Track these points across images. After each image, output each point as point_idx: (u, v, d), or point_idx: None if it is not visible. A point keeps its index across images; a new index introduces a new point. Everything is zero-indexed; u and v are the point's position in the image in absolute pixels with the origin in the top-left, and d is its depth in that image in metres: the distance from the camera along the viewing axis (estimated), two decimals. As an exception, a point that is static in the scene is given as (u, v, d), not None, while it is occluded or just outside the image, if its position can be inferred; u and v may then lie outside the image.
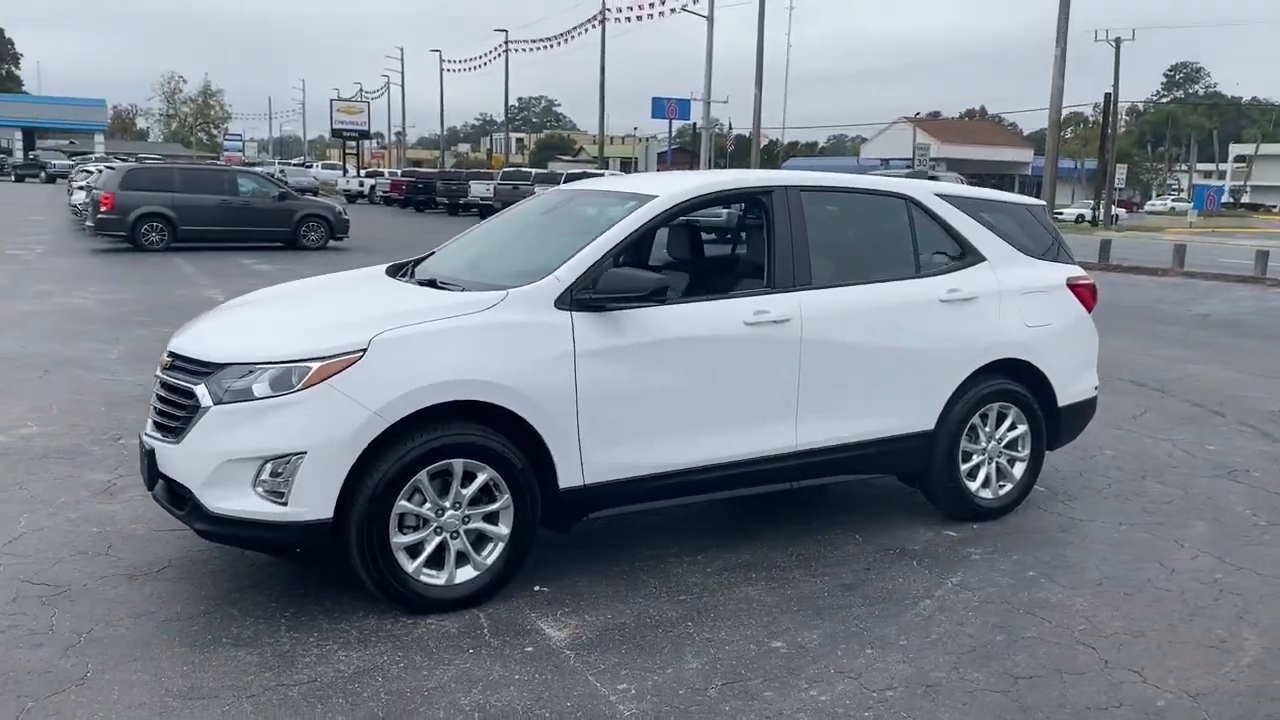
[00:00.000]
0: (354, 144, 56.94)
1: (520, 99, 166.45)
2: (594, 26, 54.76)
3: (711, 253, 6.12)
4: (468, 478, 4.30)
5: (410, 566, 4.21)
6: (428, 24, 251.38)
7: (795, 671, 3.89)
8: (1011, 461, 5.74)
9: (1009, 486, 5.72)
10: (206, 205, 21.77)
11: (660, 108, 46.93)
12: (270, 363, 4.10)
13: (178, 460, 4.16)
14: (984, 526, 5.56)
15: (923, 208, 5.56)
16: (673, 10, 48.43)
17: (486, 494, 4.37)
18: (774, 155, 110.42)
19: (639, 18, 51.38)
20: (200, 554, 4.82)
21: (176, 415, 4.24)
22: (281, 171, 64.80)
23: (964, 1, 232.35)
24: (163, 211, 21.34)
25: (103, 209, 21.01)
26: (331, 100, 56.50)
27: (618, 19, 53.51)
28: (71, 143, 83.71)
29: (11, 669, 3.70)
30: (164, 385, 4.41)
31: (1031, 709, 3.66)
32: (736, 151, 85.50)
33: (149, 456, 4.35)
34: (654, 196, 4.93)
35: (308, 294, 5.17)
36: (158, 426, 4.38)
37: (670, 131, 50.94)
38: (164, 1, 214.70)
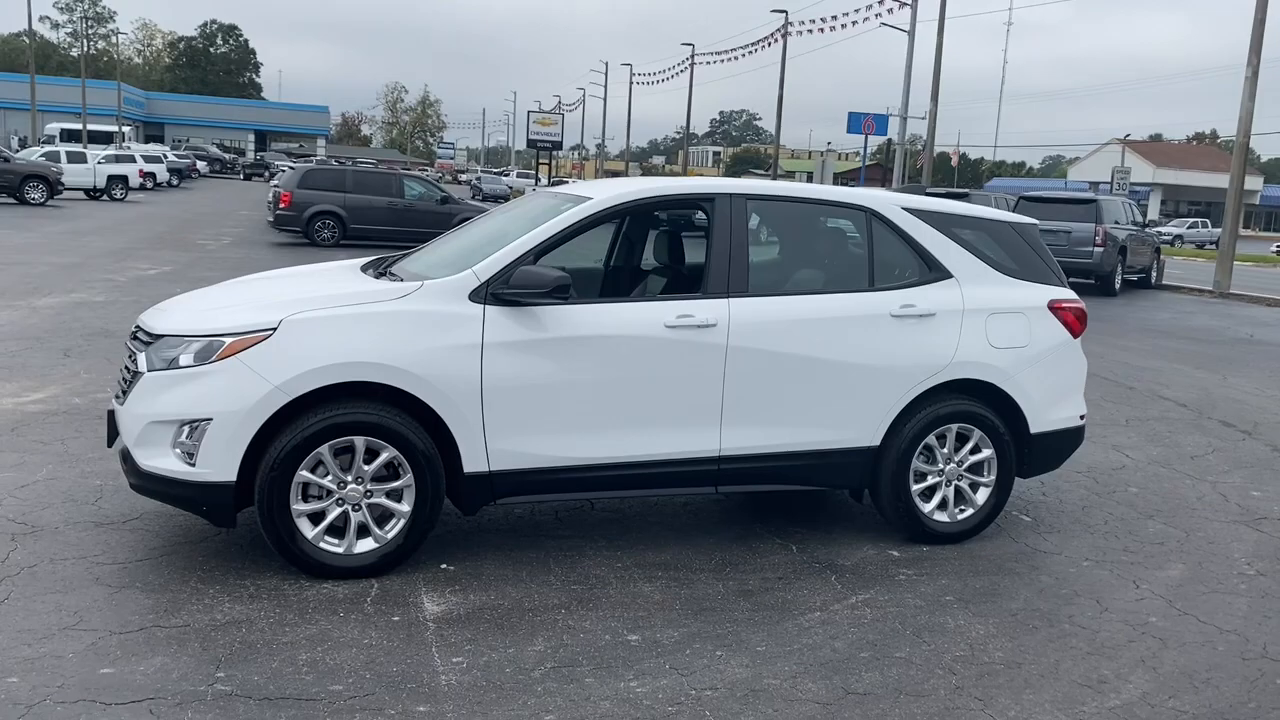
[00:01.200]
0: (547, 154, 59.19)
1: (722, 112, 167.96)
2: (790, 34, 54.64)
3: (653, 257, 6.21)
4: (371, 455, 4.59)
5: (310, 533, 4.55)
6: (641, 38, 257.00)
7: (629, 663, 3.97)
8: (974, 486, 5.54)
9: (969, 511, 5.53)
10: (375, 206, 23.25)
11: (856, 123, 46.31)
12: (196, 336, 4.54)
13: (123, 420, 4.66)
14: (934, 550, 5.40)
15: (885, 221, 5.46)
16: (866, 20, 47.73)
17: (391, 472, 4.66)
18: (978, 173, 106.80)
19: (831, 28, 50.96)
20: (173, 512, 5.34)
21: (127, 380, 4.75)
22: (478, 178, 68.03)
23: (1198, 16, 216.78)
24: (335, 210, 22.94)
25: (281, 206, 22.81)
26: (529, 112, 58.80)
27: (809, 30, 53.21)
28: (300, 145, 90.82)
29: (-53, 589, 4.27)
30: (128, 353, 4.93)
31: (841, 724, 3.61)
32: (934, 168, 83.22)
33: (109, 416, 4.88)
34: (589, 199, 5.09)
35: (276, 279, 5.62)
36: (120, 390, 4.90)
37: (865, 147, 50.24)
38: (395, 15, 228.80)
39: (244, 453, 4.42)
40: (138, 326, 4.91)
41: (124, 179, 36.04)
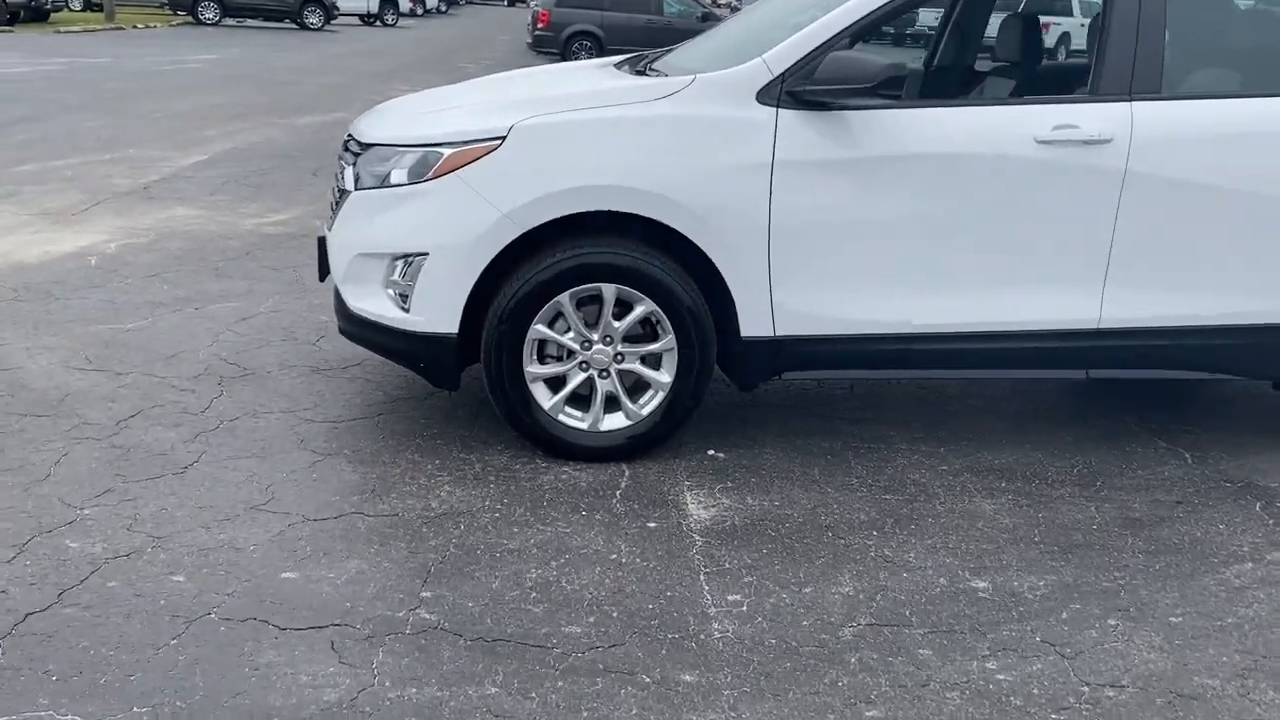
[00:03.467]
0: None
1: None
2: None
3: (1000, 52, 4.54)
4: (623, 308, 3.50)
5: (548, 402, 3.55)
6: None
7: (980, 630, 2.76)
8: None
9: None
10: (633, 24, 21.92)
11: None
12: (410, 145, 3.52)
13: (331, 249, 3.78)
14: (1403, 472, 3.78)
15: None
16: None
17: (649, 331, 3.57)
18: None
19: None
20: (396, 357, 4.52)
21: (336, 201, 3.84)
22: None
23: None
24: (592, 30, 21.83)
25: (539, 26, 21.92)
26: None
27: None
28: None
29: (135, 445, 3.61)
30: (339, 167, 4.02)
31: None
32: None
33: (320, 244, 4.03)
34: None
35: (516, 78, 4.51)
36: (330, 213, 4.03)
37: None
38: None
39: (467, 299, 3.43)
40: (349, 135, 3.97)
41: (394, 4, 36.39)
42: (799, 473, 3.62)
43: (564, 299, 3.44)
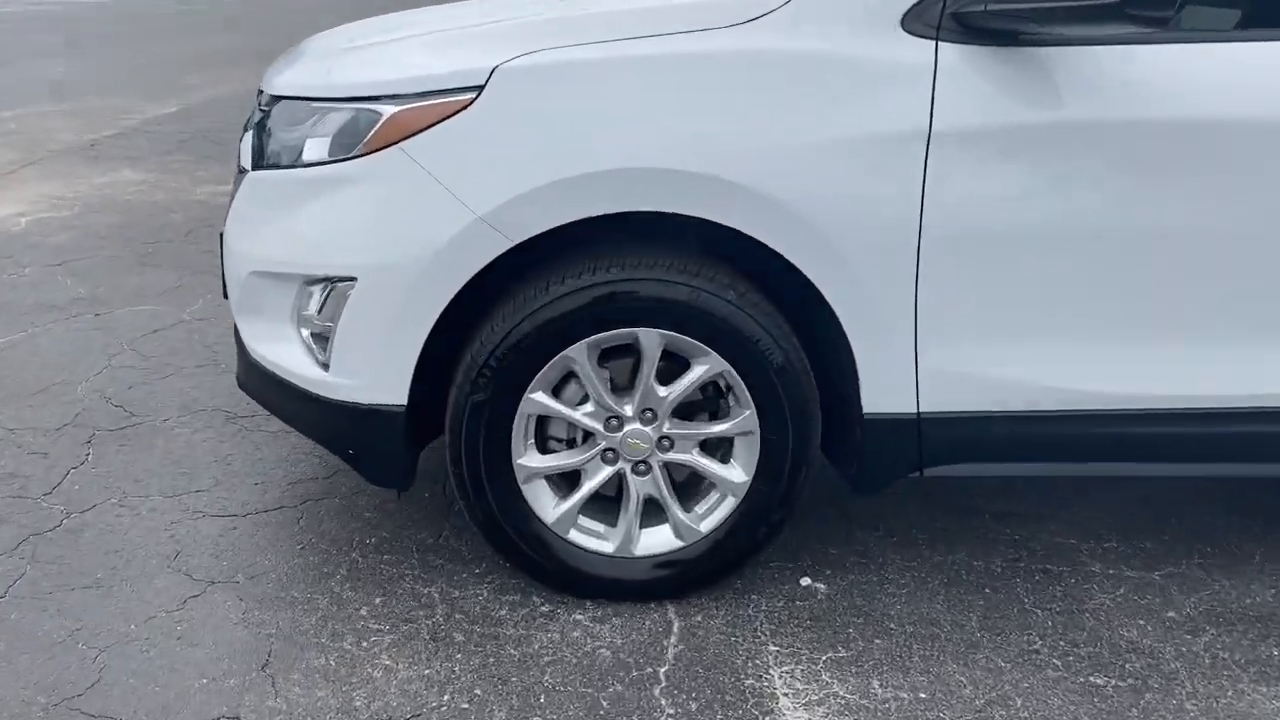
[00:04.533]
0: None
1: None
2: None
3: None
4: (673, 366, 2.17)
5: (552, 512, 2.24)
6: None
7: None
8: None
9: None
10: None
11: None
12: (333, 100, 2.18)
13: (225, 258, 2.45)
14: None
15: None
16: None
17: (712, 402, 2.24)
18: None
19: None
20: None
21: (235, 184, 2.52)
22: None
23: None
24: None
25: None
26: None
27: None
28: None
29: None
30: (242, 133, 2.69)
31: None
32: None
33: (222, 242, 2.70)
34: None
35: None
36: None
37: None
38: None
39: (420, 352, 2.11)
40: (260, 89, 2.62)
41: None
42: (947, 625, 2.28)
43: (579, 351, 2.11)
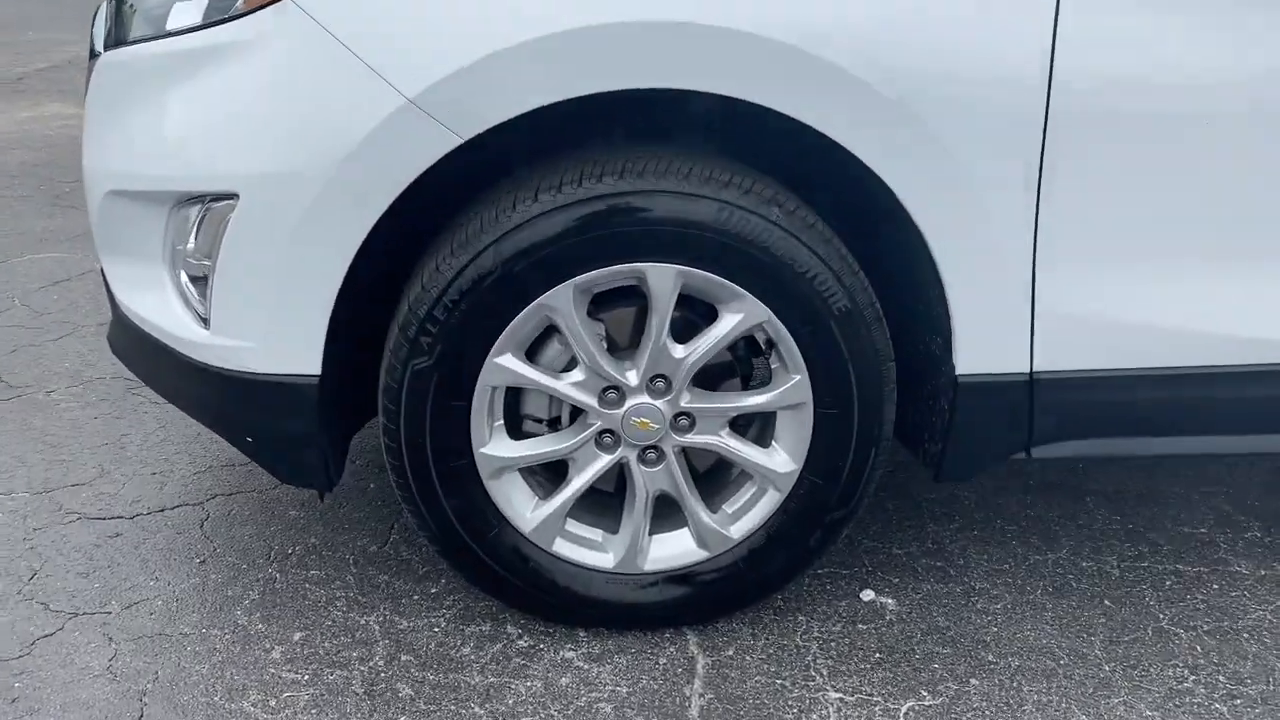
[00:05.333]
0: None
1: None
2: None
3: None
4: (693, 315, 1.57)
5: (530, 515, 1.63)
6: None
7: None
8: None
9: None
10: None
11: None
12: (203, -53, 1.53)
13: (85, 176, 1.81)
14: None
15: None
16: None
17: (743, 363, 1.64)
18: None
19: None
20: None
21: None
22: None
23: None
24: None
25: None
26: None
27: None
28: None
29: None
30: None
31: None
32: None
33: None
34: None
35: None
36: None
37: None
38: None
39: (334, 299, 1.49)
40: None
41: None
42: (1064, 655, 1.70)
43: (562, 296, 1.49)
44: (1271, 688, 1.63)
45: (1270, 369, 1.61)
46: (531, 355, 1.58)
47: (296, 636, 1.71)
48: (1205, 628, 1.76)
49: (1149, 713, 1.58)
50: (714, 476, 1.71)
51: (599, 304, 1.59)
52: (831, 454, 1.61)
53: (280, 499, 2.08)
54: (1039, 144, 1.43)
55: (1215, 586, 1.87)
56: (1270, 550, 1.97)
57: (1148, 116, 1.46)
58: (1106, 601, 1.83)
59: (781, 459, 1.62)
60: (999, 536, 2.01)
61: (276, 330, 1.50)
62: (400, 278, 1.58)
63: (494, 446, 1.58)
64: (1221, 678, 1.65)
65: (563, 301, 1.50)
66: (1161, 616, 1.79)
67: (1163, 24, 1.43)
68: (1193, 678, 1.65)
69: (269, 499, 2.08)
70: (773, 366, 1.60)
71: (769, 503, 1.65)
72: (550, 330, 1.56)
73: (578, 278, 1.48)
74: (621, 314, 1.60)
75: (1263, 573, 1.91)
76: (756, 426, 1.67)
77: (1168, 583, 1.88)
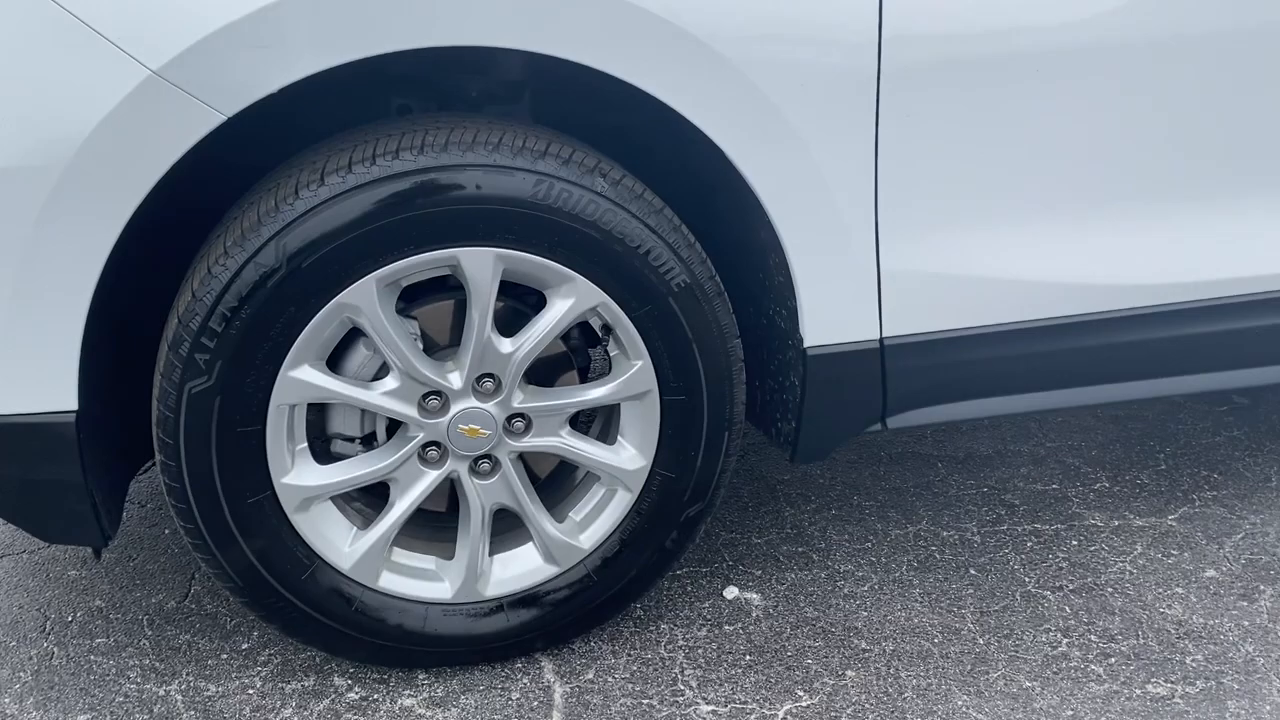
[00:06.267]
0: None
1: None
2: None
3: None
4: (522, 303, 1.40)
5: (347, 549, 1.42)
6: None
7: None
8: None
9: None
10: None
11: None
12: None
13: None
14: None
15: None
16: None
17: (579, 353, 1.48)
18: None
19: None
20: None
21: None
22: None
23: None
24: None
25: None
26: None
27: None
28: None
29: None
30: None
31: None
32: None
33: None
34: None
35: None
36: None
37: None
38: None
39: (85, 316, 1.24)
40: None
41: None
42: (937, 634, 1.62)
43: (363, 293, 1.29)
44: (1142, 641, 1.59)
45: (1115, 316, 1.57)
46: (334, 364, 1.37)
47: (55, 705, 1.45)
48: (1071, 587, 1.72)
49: (1028, 684, 1.51)
50: (557, 482, 1.55)
51: (411, 298, 1.40)
52: (682, 444, 1.47)
53: (56, 557, 1.79)
54: (873, 101, 1.34)
55: (1074, 543, 1.84)
56: (1119, 499, 1.96)
57: (977, 66, 1.38)
58: (972, 570, 1.76)
59: (629, 455, 1.47)
60: (857, 513, 1.93)
61: (16, 359, 1.24)
62: (162, 290, 1.34)
63: (298, 475, 1.37)
64: (1093, 637, 1.60)
65: (365, 299, 1.30)
66: (1027, 580, 1.74)
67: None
68: (1066, 641, 1.60)
69: (42, 559, 1.79)
70: (612, 354, 1.45)
71: (620, 505, 1.50)
72: (355, 334, 1.36)
73: (379, 270, 1.29)
74: (438, 308, 1.42)
75: (1116, 523, 1.89)
76: (599, 422, 1.52)
77: (1029, 544, 1.83)
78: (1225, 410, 2.29)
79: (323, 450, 1.42)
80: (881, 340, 1.50)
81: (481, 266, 1.31)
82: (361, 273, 1.28)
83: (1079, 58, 1.41)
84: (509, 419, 1.42)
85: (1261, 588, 1.71)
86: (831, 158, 1.37)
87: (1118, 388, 1.67)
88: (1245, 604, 1.67)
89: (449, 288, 1.40)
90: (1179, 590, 1.70)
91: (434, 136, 1.28)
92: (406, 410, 1.37)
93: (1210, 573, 1.75)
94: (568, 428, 1.45)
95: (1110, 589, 1.71)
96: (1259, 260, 1.59)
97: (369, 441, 1.44)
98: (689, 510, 1.51)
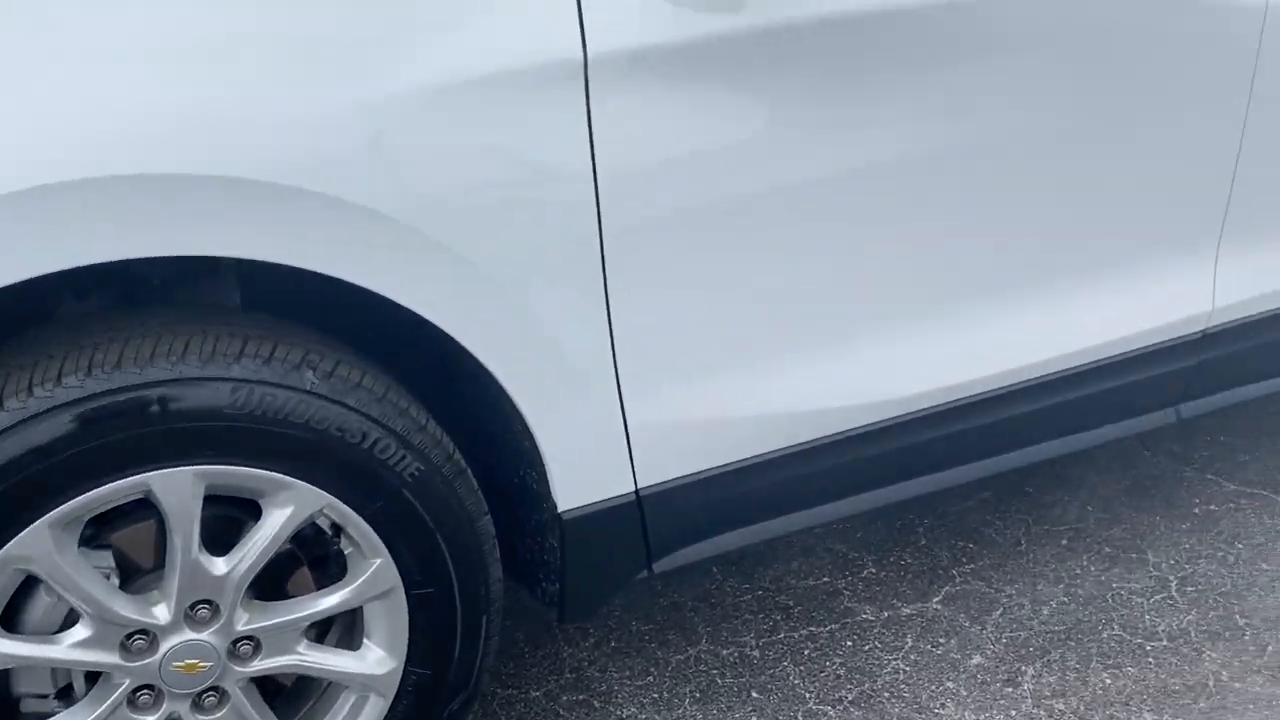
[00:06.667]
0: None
1: None
2: None
3: None
4: (236, 511, 1.24)
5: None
6: None
7: None
8: None
9: None
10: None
11: None
12: None
13: None
14: None
15: None
16: None
17: (319, 561, 1.33)
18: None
19: None
20: None
21: None
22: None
23: None
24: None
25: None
26: None
27: None
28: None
29: None
30: None
31: None
32: None
33: None
34: None
35: None
36: None
37: None
38: None
39: None
40: None
41: None
42: (724, 773, 1.57)
43: (35, 541, 1.10)
44: (924, 749, 1.60)
45: (866, 430, 1.58)
46: (10, 619, 1.17)
47: None
48: (850, 698, 1.71)
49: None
50: (300, 692, 1.39)
51: (103, 522, 1.21)
52: (437, 638, 1.35)
53: None
54: (598, 258, 1.27)
55: (849, 644, 1.84)
56: (886, 585, 1.99)
57: (700, 210, 1.34)
58: (754, 693, 1.73)
59: (377, 658, 1.34)
60: (637, 642, 1.86)
61: None
62: None
63: (-26, 755, 1.16)
64: (875, 754, 1.60)
65: (37, 547, 1.11)
66: (808, 696, 1.72)
67: (684, 126, 1.31)
68: (851, 762, 1.59)
69: None
70: (347, 553, 1.31)
71: (374, 710, 1.36)
72: (29, 583, 1.16)
73: (52, 513, 1.10)
74: (136, 530, 1.23)
75: (885, 614, 1.91)
76: (341, 626, 1.38)
77: (806, 651, 1.82)
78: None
79: (11, 713, 1.21)
80: (638, 492, 1.44)
81: (178, 490, 1.15)
82: (29, 519, 1.09)
83: (777, 203, 1.39)
84: (234, 643, 1.25)
85: (1023, 669, 1.77)
86: (561, 323, 1.29)
87: (884, 491, 1.68)
88: (1010, 690, 1.72)
89: (148, 503, 1.22)
90: (950, 685, 1.74)
91: (103, 353, 1.11)
92: (106, 658, 1.19)
93: (976, 659, 1.79)
94: (305, 641, 1.30)
95: (887, 694, 1.72)
96: (991, 362, 1.64)
97: (66, 694, 1.23)
98: (452, 704, 1.40)
